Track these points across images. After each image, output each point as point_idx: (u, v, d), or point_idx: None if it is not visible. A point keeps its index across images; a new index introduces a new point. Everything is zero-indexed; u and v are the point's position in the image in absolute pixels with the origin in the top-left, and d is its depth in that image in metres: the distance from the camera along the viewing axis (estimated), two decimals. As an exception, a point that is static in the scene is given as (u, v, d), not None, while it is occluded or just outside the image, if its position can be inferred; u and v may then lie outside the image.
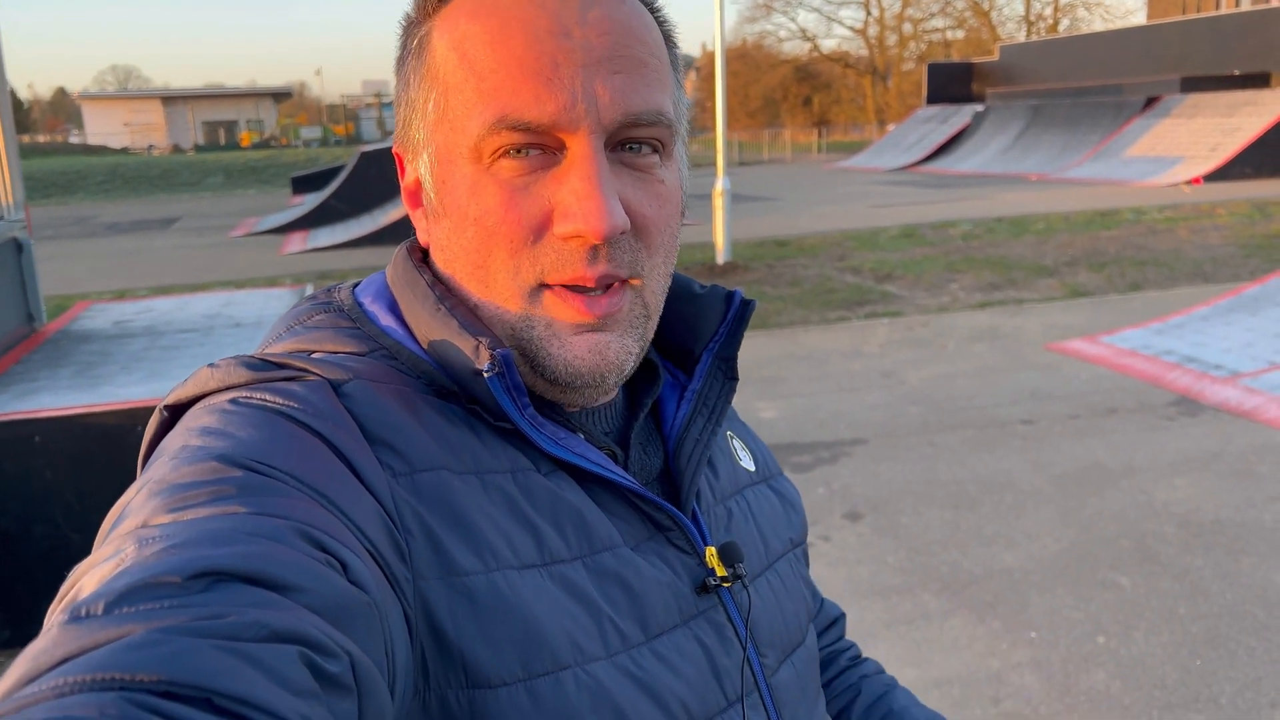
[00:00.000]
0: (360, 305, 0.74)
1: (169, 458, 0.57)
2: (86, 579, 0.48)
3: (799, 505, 0.92)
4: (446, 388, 0.69)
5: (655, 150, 0.69)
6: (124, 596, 0.44)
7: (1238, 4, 35.33)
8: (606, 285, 0.68)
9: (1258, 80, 26.11)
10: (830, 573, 4.14)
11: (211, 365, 0.66)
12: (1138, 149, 25.23)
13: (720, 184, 12.16)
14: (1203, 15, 31.52)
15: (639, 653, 0.66)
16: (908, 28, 63.53)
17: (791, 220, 17.91)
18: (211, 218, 24.31)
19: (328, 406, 0.62)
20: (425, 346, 0.70)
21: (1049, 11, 61.21)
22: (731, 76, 55.56)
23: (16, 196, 5.46)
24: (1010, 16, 73.15)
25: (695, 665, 0.69)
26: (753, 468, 0.89)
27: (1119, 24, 51.64)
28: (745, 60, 63.76)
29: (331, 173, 25.21)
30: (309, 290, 6.79)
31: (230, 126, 68.35)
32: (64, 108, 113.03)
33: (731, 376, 0.82)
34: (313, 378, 0.65)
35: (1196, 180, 21.60)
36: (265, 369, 0.65)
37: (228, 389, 0.64)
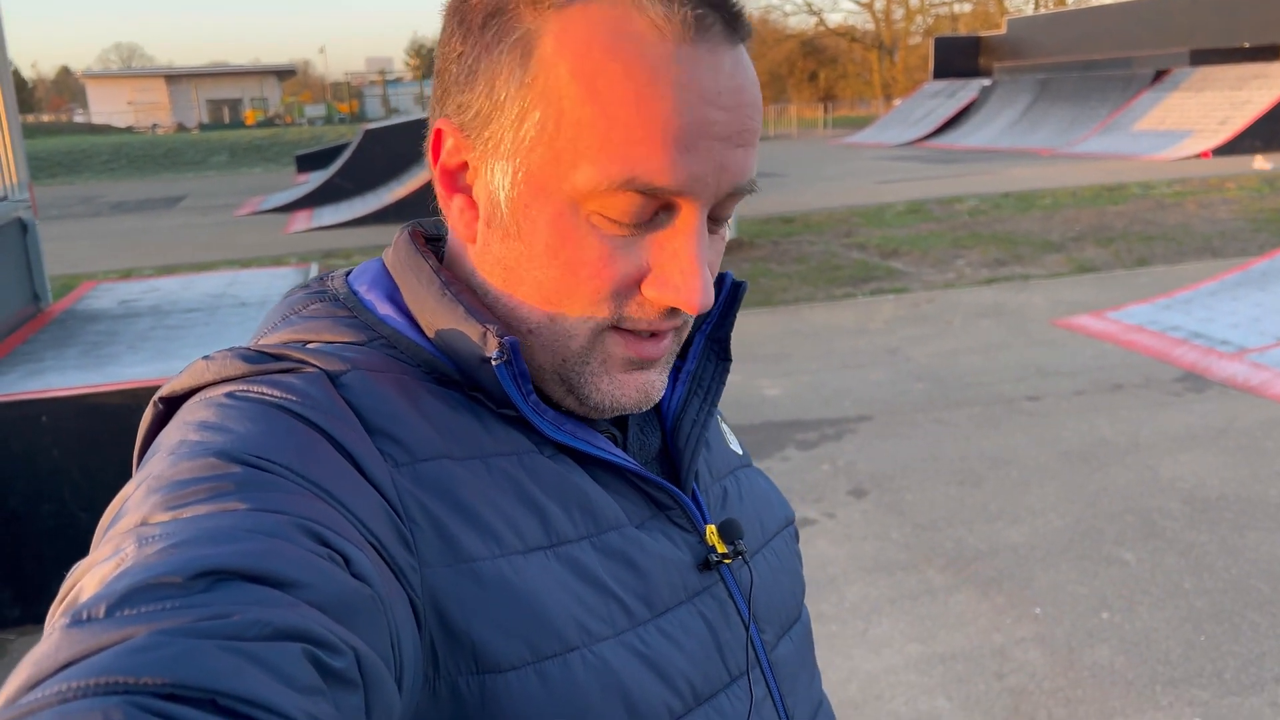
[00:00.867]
0: (355, 293, 0.73)
1: (166, 453, 0.57)
2: (87, 580, 0.48)
3: (777, 488, 0.94)
4: (447, 375, 0.68)
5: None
6: (125, 598, 0.43)
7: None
8: (665, 337, 0.69)
9: (1267, 53, 25.86)
10: (835, 549, 4.15)
11: (206, 358, 0.65)
12: (1146, 123, 25.07)
13: (726, 160, 12.11)
14: (1212, -13, 31.24)
15: (645, 630, 0.66)
16: (914, 1, 63.12)
17: (797, 196, 17.84)
18: (216, 196, 24.30)
19: (325, 398, 0.62)
20: (429, 333, 0.69)
21: (1057, -16, 60.70)
22: (737, 51, 54.96)
23: (21, 176, 5.46)
24: (1018, -11, 72.50)
25: (699, 641, 0.70)
26: (740, 451, 0.90)
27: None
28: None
29: (336, 151, 25.15)
30: (314, 270, 6.78)
31: (234, 105, 68.12)
32: (68, 87, 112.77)
33: (725, 358, 0.82)
34: (310, 369, 0.64)
35: (1205, 154, 21.47)
36: (261, 361, 0.64)
37: (224, 382, 0.63)
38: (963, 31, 52.82)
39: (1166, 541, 4.09)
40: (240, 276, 6.47)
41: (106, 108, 68.14)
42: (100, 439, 3.59)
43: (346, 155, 20.03)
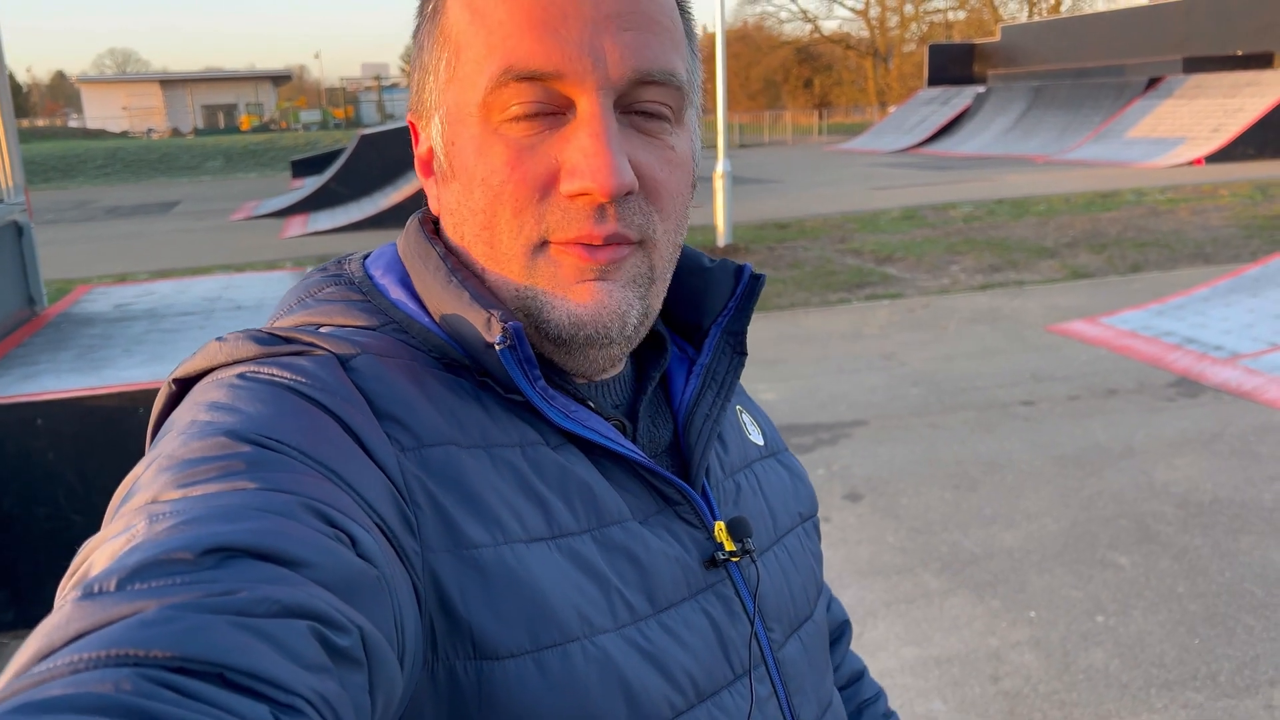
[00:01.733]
0: (371, 278, 0.74)
1: (178, 432, 0.57)
2: (98, 555, 0.48)
3: (806, 479, 0.92)
4: (457, 361, 0.69)
5: (667, 117, 0.68)
6: (136, 573, 0.44)
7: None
8: (613, 246, 0.67)
9: (1260, 60, 25.97)
10: (831, 553, 4.15)
11: (220, 339, 0.66)
12: (1140, 130, 25.14)
13: (721, 166, 12.14)
14: (1205, -5, 31.36)
15: (646, 625, 0.66)
16: (909, 9, 63.30)
17: (792, 202, 17.87)
18: (211, 201, 24.28)
19: (335, 381, 0.62)
20: (437, 319, 0.70)
21: (1051, -8, 60.90)
22: (732, 58, 55.30)
23: (16, 180, 5.46)
24: (1012, -3, 72.74)
25: (702, 638, 0.69)
26: (761, 442, 0.88)
27: (1121, 4, 51.33)
28: (746, 42, 63.49)
29: (331, 156, 25.16)
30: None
31: (229, 110, 68.06)
32: (63, 91, 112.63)
33: (740, 351, 0.81)
34: (320, 352, 0.65)
35: (1198, 161, 21.53)
36: (273, 343, 0.65)
37: (236, 363, 0.64)
38: (957, 39, 52.91)
39: (1161, 545, 4.10)
40: (235, 281, 6.46)
41: (101, 112, 68.00)
42: (95, 442, 3.59)
43: (342, 160, 20.03)
